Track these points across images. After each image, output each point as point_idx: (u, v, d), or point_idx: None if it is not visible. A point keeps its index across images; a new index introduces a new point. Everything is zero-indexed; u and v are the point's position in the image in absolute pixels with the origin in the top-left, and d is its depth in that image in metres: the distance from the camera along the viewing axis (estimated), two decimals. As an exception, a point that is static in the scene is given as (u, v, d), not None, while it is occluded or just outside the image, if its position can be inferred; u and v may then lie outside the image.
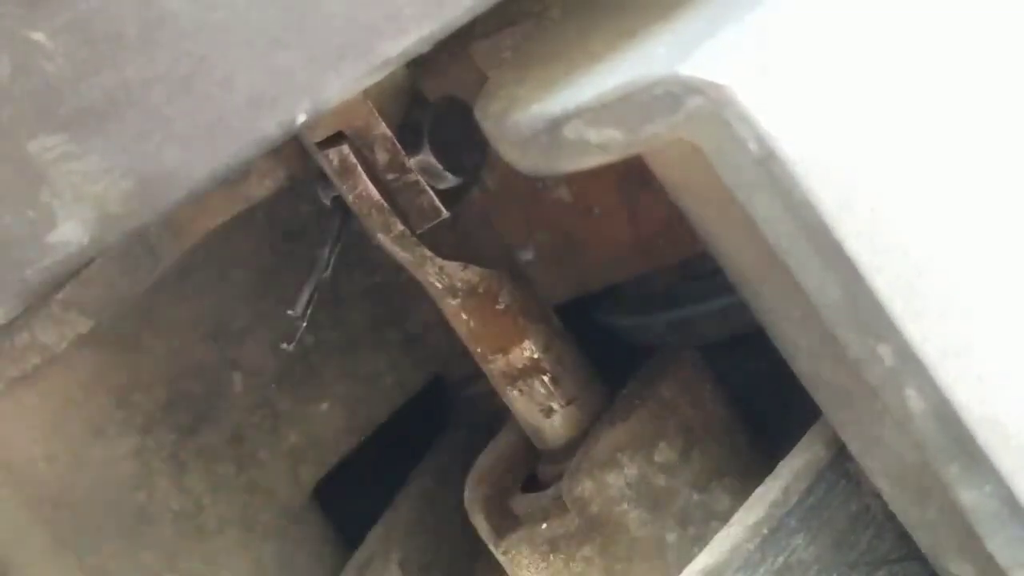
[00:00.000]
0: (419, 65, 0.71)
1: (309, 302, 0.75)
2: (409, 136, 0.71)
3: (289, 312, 0.75)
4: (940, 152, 0.54)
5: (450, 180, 0.71)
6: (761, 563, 0.63)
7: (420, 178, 0.71)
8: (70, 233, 0.48)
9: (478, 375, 0.81)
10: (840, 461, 0.64)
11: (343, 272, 0.87)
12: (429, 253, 0.74)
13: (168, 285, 0.81)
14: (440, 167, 0.70)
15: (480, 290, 0.76)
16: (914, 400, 0.54)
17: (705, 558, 0.64)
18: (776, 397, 0.73)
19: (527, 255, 0.82)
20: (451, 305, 0.77)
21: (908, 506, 0.61)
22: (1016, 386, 0.55)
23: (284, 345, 0.77)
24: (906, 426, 0.55)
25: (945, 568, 0.61)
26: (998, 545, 0.56)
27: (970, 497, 0.56)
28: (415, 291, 0.78)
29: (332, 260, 0.76)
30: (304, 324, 0.76)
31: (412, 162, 0.70)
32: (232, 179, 0.73)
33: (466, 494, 0.81)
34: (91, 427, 0.84)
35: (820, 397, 0.62)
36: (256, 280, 0.88)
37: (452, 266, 0.75)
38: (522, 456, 0.82)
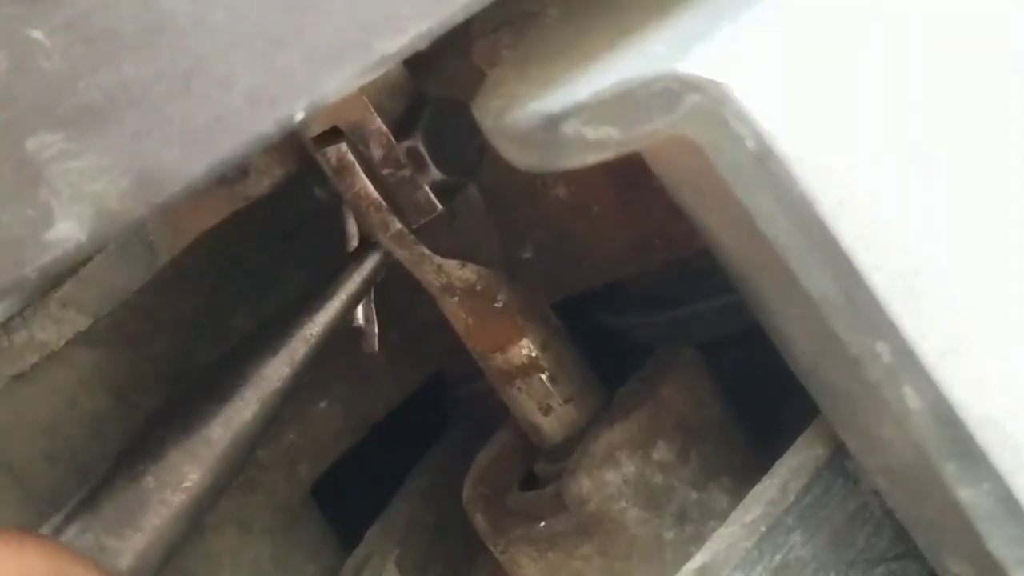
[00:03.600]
0: (417, 63, 0.71)
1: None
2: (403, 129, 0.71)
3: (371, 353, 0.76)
4: (939, 150, 0.54)
5: (434, 173, 0.71)
6: (759, 561, 0.63)
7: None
8: (68, 231, 0.48)
9: (476, 373, 0.81)
10: (838, 459, 0.64)
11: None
12: (427, 251, 0.74)
13: (167, 284, 0.80)
14: (428, 158, 0.71)
15: (478, 288, 0.76)
16: (912, 398, 0.54)
17: (703, 556, 0.64)
18: (775, 396, 0.72)
19: (525, 253, 0.82)
20: (449, 303, 0.77)
21: (906, 504, 0.61)
22: (1014, 384, 0.55)
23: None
24: (904, 424, 0.55)
25: (943, 566, 0.61)
26: (996, 543, 0.56)
27: (968, 495, 0.56)
28: (413, 289, 0.78)
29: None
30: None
31: (402, 147, 0.70)
32: (230, 177, 0.74)
33: (465, 493, 0.81)
34: (90, 426, 0.84)
35: (818, 395, 0.62)
36: (256, 280, 0.88)
37: (450, 264, 0.75)
38: (520, 454, 0.82)
